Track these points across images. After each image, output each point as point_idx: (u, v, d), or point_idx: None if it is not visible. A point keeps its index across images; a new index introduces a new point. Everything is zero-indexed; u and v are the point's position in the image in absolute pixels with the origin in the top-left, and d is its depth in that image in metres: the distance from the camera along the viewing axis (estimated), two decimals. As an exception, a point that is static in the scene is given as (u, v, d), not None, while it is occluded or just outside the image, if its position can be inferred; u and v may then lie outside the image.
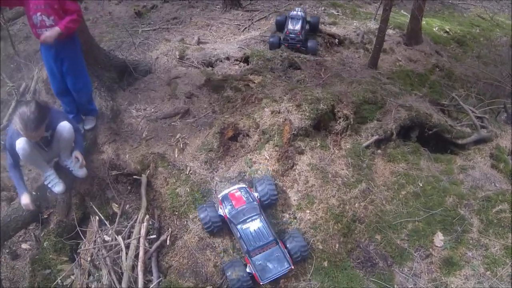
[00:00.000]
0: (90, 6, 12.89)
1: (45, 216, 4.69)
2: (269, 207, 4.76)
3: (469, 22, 12.59)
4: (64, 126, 4.30)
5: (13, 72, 7.70)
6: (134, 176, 5.11)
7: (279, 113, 5.46)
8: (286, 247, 4.31)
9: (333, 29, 8.95)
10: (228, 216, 4.40)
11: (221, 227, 4.55)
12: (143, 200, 4.86)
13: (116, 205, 4.97)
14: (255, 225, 4.32)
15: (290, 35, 7.64)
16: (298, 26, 7.70)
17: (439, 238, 4.76)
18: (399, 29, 9.75)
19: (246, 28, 9.13)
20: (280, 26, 8.23)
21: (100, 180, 5.03)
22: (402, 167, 5.49)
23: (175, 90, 6.32)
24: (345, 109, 5.71)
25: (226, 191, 4.63)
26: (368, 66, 7.40)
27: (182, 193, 4.91)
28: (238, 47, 7.41)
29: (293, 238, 4.35)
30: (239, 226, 4.31)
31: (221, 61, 7.14)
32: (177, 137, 5.62)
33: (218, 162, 5.25)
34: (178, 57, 7.19)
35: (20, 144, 4.07)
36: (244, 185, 4.74)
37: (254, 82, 6.14)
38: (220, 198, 4.60)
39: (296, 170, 5.09)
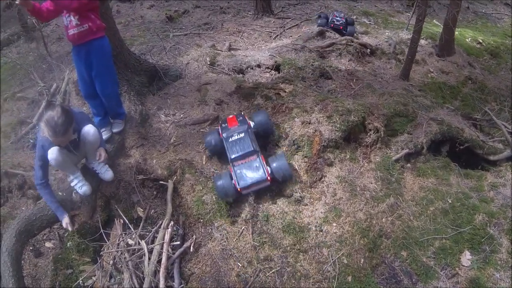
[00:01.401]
0: (122, 9, 13.08)
1: (71, 228, 4.68)
2: (264, 136, 5.49)
3: (503, 33, 12.32)
4: (89, 130, 4.36)
5: (45, 72, 7.83)
6: (161, 182, 5.12)
7: (309, 123, 5.46)
8: (269, 166, 4.84)
9: (365, 39, 8.92)
10: (222, 134, 5.17)
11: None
12: (168, 206, 4.87)
13: (141, 210, 4.99)
14: (239, 137, 5.05)
15: (336, 18, 9.27)
16: (342, 15, 9.41)
17: (466, 257, 4.65)
18: (432, 39, 9.64)
19: (277, 35, 9.15)
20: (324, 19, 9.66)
21: (126, 184, 5.04)
22: (431, 182, 5.39)
23: (205, 97, 6.35)
24: (376, 122, 5.67)
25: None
26: (400, 77, 7.34)
27: (208, 201, 4.93)
28: (269, 55, 7.42)
29: (277, 159, 4.88)
30: (227, 140, 5.07)
31: (252, 69, 7.16)
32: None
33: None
34: (208, 63, 7.24)
35: (53, 154, 4.15)
36: (242, 113, 5.60)
37: (285, 91, 6.13)
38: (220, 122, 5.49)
39: (325, 182, 5.07)
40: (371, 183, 5.20)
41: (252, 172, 4.80)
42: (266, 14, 10.41)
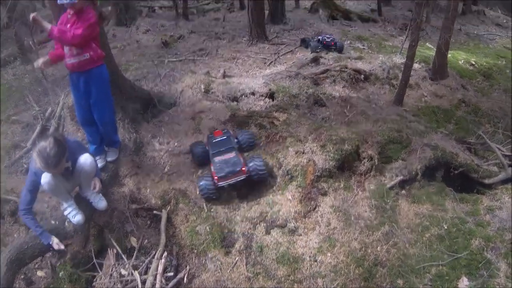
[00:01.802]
0: (118, 33, 13.10)
1: (63, 246, 4.59)
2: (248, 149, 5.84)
3: (495, 54, 12.40)
4: (86, 159, 4.37)
5: (40, 96, 7.79)
6: (154, 211, 5.13)
7: (303, 153, 5.49)
8: (246, 165, 5.20)
9: (359, 64, 8.96)
10: (208, 140, 5.69)
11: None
12: (162, 236, 4.86)
13: (135, 239, 4.95)
14: (222, 138, 5.62)
15: (326, 36, 10.25)
16: (332, 36, 10.45)
17: (464, 283, 4.59)
18: (425, 63, 9.69)
19: (272, 62, 9.21)
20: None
21: (120, 213, 5.02)
22: (426, 208, 5.37)
23: (199, 125, 6.37)
24: (370, 149, 5.70)
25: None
26: (394, 103, 7.38)
27: (202, 232, 4.93)
28: (264, 82, 7.45)
29: (254, 158, 5.27)
30: (210, 142, 5.61)
31: (246, 96, 7.18)
32: (199, 173, 5.63)
33: (240, 201, 5.26)
34: (203, 90, 7.27)
35: (46, 178, 4.15)
36: (228, 131, 5.92)
37: (279, 120, 6.18)
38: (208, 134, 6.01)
39: (319, 212, 5.08)
40: (366, 211, 5.19)
41: (229, 165, 5.19)
42: (260, 40, 10.50)
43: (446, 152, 5.95)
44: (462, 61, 10.91)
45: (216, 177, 5.09)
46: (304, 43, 10.32)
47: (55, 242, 4.47)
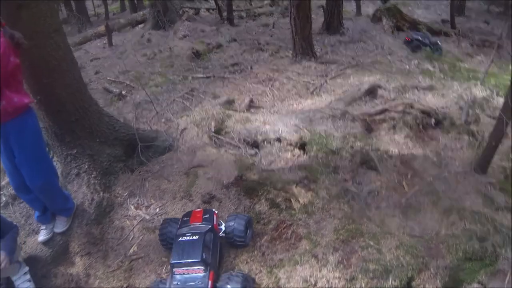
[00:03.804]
0: (154, 37, 12.01)
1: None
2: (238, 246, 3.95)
3: None
4: None
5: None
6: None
7: (315, 285, 3.42)
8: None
9: (428, 98, 6.76)
10: (177, 231, 3.82)
11: None
12: None
13: None
14: (191, 239, 3.61)
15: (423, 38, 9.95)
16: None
17: None
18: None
19: (316, 88, 7.16)
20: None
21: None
22: None
23: (192, 186, 4.57)
24: (431, 282, 3.51)
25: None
26: (475, 169, 5.10)
27: None
28: (296, 124, 5.47)
29: (232, 280, 3.41)
30: (177, 238, 3.68)
31: (270, 143, 5.20)
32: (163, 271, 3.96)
33: None
34: (213, 129, 5.41)
35: None
36: (214, 210, 4.04)
37: (299, 201, 4.16)
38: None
39: None
40: None
41: None
42: (306, 57, 8.42)
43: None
44: None
45: None
46: (410, 44, 10.00)
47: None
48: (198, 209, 4.07)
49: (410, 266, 3.60)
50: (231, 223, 3.84)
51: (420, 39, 9.82)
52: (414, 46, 9.78)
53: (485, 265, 3.75)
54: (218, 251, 3.76)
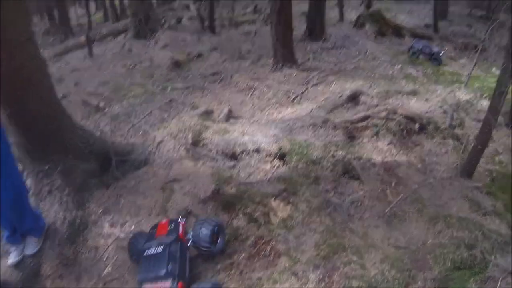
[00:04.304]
0: (135, 47, 11.90)
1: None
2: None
3: None
4: None
5: None
6: None
7: None
8: None
9: (412, 102, 6.67)
10: (143, 245, 3.65)
11: None
12: None
13: None
14: (156, 251, 3.48)
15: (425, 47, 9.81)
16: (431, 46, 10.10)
17: None
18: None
19: (297, 96, 7.02)
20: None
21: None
22: None
23: (168, 201, 4.40)
24: None
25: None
26: (461, 175, 4.97)
27: None
28: (276, 134, 5.32)
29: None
30: (142, 253, 3.55)
31: (248, 154, 5.05)
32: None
33: None
34: (190, 141, 5.24)
35: None
36: (180, 220, 3.85)
37: (277, 216, 3.99)
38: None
39: None
40: None
41: None
42: (287, 65, 8.31)
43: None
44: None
45: None
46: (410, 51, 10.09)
47: None
48: (164, 220, 3.91)
49: (396, 280, 3.46)
50: (197, 229, 3.69)
51: (420, 48, 9.75)
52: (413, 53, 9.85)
53: (475, 273, 3.62)
54: (187, 261, 3.60)
